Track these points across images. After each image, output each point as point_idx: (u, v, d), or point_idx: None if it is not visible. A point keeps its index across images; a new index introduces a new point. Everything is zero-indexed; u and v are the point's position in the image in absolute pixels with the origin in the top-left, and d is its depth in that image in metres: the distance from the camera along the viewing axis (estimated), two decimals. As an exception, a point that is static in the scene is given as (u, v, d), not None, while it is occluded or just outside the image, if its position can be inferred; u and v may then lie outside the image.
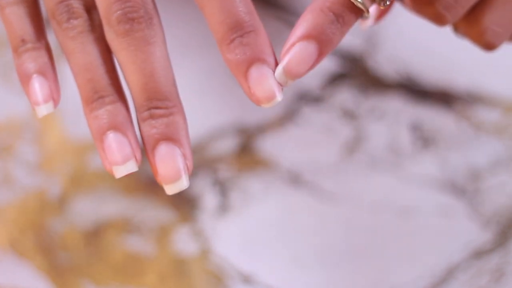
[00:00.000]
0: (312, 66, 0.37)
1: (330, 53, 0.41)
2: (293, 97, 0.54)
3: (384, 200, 0.51)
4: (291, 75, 0.36)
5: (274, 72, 0.35)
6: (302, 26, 0.37)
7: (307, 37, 0.36)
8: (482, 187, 0.52)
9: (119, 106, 0.36)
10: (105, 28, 0.36)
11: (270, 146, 0.53)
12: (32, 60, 0.37)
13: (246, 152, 0.53)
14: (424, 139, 0.53)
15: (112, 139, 0.35)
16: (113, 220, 0.50)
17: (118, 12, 0.35)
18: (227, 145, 0.53)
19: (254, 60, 0.35)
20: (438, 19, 0.41)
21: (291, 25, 0.56)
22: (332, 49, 0.37)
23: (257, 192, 0.52)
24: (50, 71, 0.37)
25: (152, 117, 0.35)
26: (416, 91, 0.55)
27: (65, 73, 0.55)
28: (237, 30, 0.34)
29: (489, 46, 0.43)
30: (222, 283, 0.49)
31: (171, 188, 0.36)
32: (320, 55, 0.37)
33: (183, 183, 0.35)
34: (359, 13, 0.37)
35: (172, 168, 0.35)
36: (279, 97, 0.35)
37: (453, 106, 0.54)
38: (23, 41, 0.37)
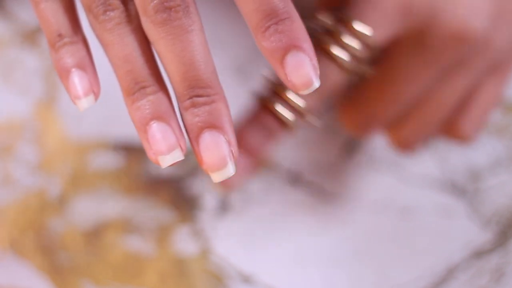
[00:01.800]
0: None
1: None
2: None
3: (384, 200, 0.51)
4: None
5: (310, 58, 0.34)
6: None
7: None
8: (482, 187, 0.52)
9: (161, 95, 0.36)
10: (142, 18, 0.35)
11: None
12: (70, 55, 0.37)
13: (246, 152, 0.53)
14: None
15: (156, 128, 0.35)
16: (113, 220, 0.51)
17: (155, 2, 0.35)
18: (227, 145, 0.53)
19: (290, 47, 0.34)
20: (357, 133, 0.49)
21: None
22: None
23: (257, 192, 0.52)
24: (89, 65, 0.37)
25: (194, 105, 0.35)
26: (416, 91, 0.55)
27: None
28: (272, 18, 0.34)
29: (406, 151, 0.50)
30: (222, 283, 0.49)
31: (217, 176, 0.35)
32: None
33: (229, 170, 0.35)
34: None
35: (218, 156, 0.35)
36: (316, 83, 0.34)
37: (453, 106, 0.54)
38: (60, 35, 0.37)
